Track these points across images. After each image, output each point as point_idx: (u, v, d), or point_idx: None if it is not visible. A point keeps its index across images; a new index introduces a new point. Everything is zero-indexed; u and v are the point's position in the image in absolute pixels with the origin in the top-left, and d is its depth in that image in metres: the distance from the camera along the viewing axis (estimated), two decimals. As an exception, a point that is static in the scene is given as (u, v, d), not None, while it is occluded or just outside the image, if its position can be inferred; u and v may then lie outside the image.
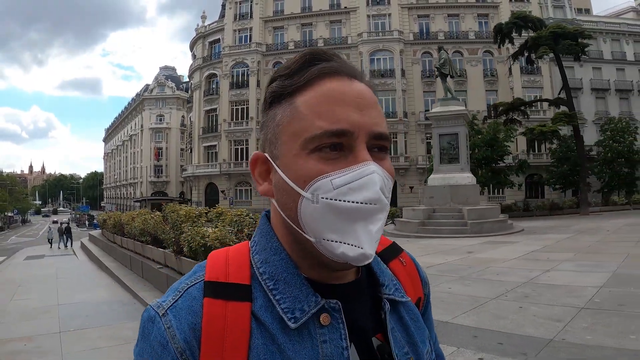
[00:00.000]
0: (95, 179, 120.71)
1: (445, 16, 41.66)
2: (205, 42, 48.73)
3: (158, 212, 10.60)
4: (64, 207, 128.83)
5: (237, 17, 46.02)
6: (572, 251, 9.65)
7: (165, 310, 0.61)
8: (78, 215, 67.37)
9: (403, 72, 41.03)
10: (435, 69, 21.22)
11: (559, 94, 28.52)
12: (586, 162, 27.96)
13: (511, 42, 27.92)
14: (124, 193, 78.14)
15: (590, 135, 36.74)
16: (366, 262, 0.59)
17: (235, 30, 45.64)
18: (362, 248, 0.58)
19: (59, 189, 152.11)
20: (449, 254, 10.05)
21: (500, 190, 36.84)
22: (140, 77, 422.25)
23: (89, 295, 8.70)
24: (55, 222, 77.51)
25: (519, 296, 5.65)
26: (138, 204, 61.85)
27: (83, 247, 18.99)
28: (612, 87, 39.56)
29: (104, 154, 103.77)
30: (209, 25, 49.46)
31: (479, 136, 25.30)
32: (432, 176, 17.68)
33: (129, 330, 5.73)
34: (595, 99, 39.57)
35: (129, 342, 5.22)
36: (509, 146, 26.36)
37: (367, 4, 42.88)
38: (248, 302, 0.61)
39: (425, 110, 39.97)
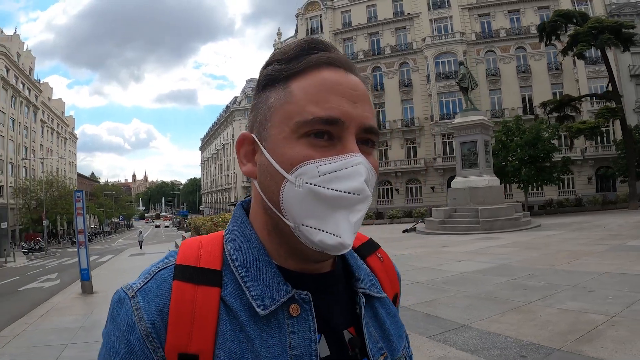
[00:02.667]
0: (194, 185, 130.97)
1: (505, 13, 41.80)
2: (282, 57, 53.68)
3: (218, 217, 14.71)
4: (165, 212, 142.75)
5: (309, 32, 49.99)
6: (521, 247, 11.74)
7: (135, 292, 0.61)
8: (178, 220, 76.32)
9: (468, 72, 42.10)
10: (456, 83, 23.17)
11: (607, 87, 28.33)
12: (633, 155, 27.60)
13: (557, 38, 28.40)
14: (219, 198, 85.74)
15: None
16: (343, 252, 0.60)
17: (308, 45, 49.85)
18: (340, 237, 0.58)
19: (160, 196, 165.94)
20: (427, 247, 12.83)
21: (568, 183, 36.60)
22: (233, 85, 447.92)
23: (171, 276, 13.00)
24: (157, 226, 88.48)
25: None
26: (233, 208, 69.01)
27: (177, 246, 24.04)
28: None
29: (201, 161, 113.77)
30: (284, 41, 54.34)
31: (522, 137, 26.36)
32: (455, 180, 19.98)
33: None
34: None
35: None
36: (554, 143, 26.94)
37: (429, 9, 44.34)
38: (218, 287, 0.62)
39: (492, 109, 40.98)
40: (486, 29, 42.60)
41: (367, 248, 0.79)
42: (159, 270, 0.64)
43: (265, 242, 0.66)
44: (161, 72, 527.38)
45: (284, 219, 0.60)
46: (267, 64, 0.66)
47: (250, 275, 0.63)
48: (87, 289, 10.47)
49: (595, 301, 5.47)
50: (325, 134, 0.59)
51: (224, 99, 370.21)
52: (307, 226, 0.58)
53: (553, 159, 27.20)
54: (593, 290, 6.02)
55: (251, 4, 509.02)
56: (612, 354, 3.73)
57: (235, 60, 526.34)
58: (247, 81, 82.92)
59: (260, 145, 0.63)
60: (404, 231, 20.18)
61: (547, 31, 27.69)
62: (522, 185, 27.54)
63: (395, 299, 0.79)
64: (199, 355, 0.58)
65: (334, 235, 0.58)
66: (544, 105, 29.67)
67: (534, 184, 27.32)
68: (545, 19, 39.93)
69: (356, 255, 0.75)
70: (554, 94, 37.19)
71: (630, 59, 35.05)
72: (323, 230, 0.58)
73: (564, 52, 28.66)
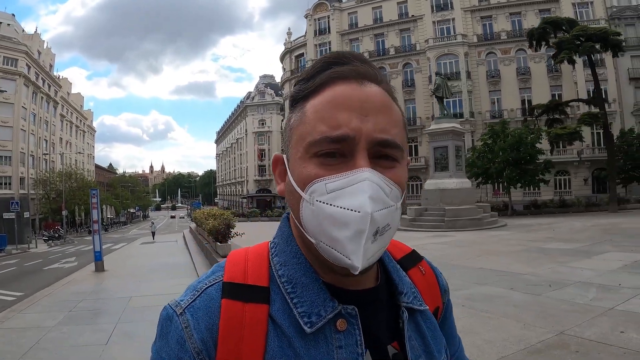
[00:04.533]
0: (210, 176, 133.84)
1: (507, 15, 42.75)
2: (292, 56, 56.15)
3: (209, 210, 17.18)
4: (181, 204, 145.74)
5: (317, 32, 52.15)
6: (456, 245, 13.49)
7: (183, 310, 0.63)
8: (191, 211, 79.50)
9: (468, 74, 43.21)
10: (431, 92, 24.99)
11: (593, 93, 29.59)
12: (613, 160, 28.83)
13: (547, 44, 29.65)
14: (233, 190, 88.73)
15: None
16: (354, 273, 0.59)
17: (316, 45, 51.76)
18: (349, 259, 0.58)
19: (177, 187, 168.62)
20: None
21: (565, 184, 37.86)
22: (251, 77, 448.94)
23: (170, 260, 15.60)
24: (173, 217, 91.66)
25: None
26: (245, 200, 71.75)
27: (184, 236, 25.90)
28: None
29: (216, 154, 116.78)
30: (294, 40, 56.84)
31: (506, 140, 28.06)
32: (428, 181, 22.03)
33: (179, 270, 12.26)
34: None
35: (177, 278, 10.89)
36: (537, 147, 28.33)
37: (432, 11, 45.60)
38: (266, 304, 0.63)
39: (491, 110, 42.39)
40: (488, 31, 43.74)
41: (409, 260, 0.81)
42: (207, 287, 0.65)
43: (308, 258, 0.67)
44: (179, 64, 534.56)
45: (307, 235, 0.62)
46: (295, 85, 0.69)
47: (296, 291, 0.64)
48: (99, 268, 13.19)
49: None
50: (334, 152, 0.60)
51: (242, 92, 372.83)
52: (323, 243, 0.60)
53: (538, 161, 28.73)
54: (447, 279, 8.04)
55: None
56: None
57: (253, 53, 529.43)
58: (260, 77, 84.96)
59: (286, 165, 0.67)
60: (381, 227, 22.08)
61: (536, 38, 29.00)
62: (506, 185, 29.31)
63: (437, 312, 0.79)
64: None
65: (343, 256, 0.58)
66: (532, 109, 31.18)
67: (516, 185, 29.01)
68: (548, 22, 41.15)
69: (399, 267, 0.76)
70: (553, 95, 38.10)
71: (630, 62, 35.93)
72: (334, 249, 0.59)
73: (554, 58, 30.06)
